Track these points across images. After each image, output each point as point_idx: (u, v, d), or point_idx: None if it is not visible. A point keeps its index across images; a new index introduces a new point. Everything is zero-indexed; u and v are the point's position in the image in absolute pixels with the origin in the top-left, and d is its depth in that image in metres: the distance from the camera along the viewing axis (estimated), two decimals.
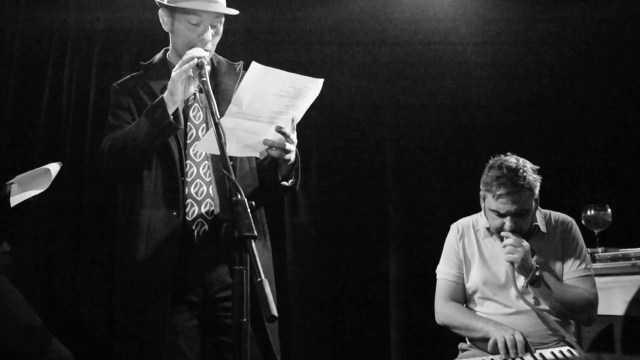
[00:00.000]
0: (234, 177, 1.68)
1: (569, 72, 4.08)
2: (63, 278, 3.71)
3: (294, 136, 2.09)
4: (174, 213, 2.13)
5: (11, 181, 2.80)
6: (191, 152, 2.21)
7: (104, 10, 3.95)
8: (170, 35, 2.28)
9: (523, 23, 4.10)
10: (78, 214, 3.77)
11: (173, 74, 2.07)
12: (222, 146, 1.76)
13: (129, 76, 2.36)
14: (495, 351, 2.38)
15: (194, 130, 2.23)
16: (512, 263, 2.46)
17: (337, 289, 3.90)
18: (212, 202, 2.18)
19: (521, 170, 2.46)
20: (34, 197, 2.82)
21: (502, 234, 2.51)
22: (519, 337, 2.35)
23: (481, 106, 4.07)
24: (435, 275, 2.71)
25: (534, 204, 2.52)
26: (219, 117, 1.84)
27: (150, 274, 2.11)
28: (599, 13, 4.05)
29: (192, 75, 2.07)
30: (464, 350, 2.64)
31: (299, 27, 4.07)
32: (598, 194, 3.63)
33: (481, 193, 2.60)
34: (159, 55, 2.35)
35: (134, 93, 2.26)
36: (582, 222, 3.19)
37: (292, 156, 2.12)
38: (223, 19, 2.25)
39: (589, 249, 2.66)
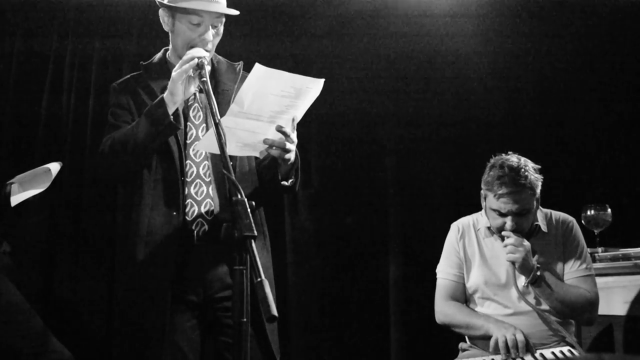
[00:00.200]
0: (234, 177, 1.68)
1: (569, 72, 4.08)
2: (63, 278, 3.71)
3: (294, 136, 2.09)
4: (174, 213, 2.13)
5: (11, 181, 2.79)
6: (191, 152, 2.21)
7: (104, 9, 3.95)
8: (170, 35, 2.28)
9: (523, 22, 4.10)
10: (78, 214, 3.77)
11: (173, 73, 2.07)
12: (222, 146, 1.76)
13: (128, 76, 2.37)
14: (496, 351, 2.38)
15: (193, 130, 2.23)
16: (513, 263, 2.46)
17: (336, 289, 3.90)
18: (212, 202, 2.18)
19: (523, 170, 2.46)
20: (34, 196, 2.82)
21: (503, 233, 2.50)
22: (520, 337, 2.35)
23: (481, 105, 4.07)
24: (435, 274, 2.71)
25: (535, 203, 2.52)
26: (219, 117, 1.85)
27: (150, 274, 2.11)
28: (599, 12, 4.05)
29: (192, 75, 2.07)
30: (464, 350, 2.63)
31: (299, 24, 4.07)
32: (598, 194, 3.63)
33: (482, 192, 2.60)
34: (158, 55, 2.35)
35: (134, 93, 2.26)
36: (582, 222, 3.19)
37: (292, 156, 2.12)
38: (224, 20, 2.25)
39: (589, 249, 2.66)
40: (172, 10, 2.21)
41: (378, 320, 3.87)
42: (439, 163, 4.02)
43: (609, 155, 3.99)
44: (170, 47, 2.32)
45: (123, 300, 2.23)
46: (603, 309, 2.61)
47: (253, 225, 1.57)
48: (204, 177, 2.20)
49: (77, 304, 3.69)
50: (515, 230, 2.47)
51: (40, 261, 3.70)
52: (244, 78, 2.04)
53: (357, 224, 3.95)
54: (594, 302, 2.51)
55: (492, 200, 2.50)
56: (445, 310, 2.61)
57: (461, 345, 2.67)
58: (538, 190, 2.51)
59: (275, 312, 1.46)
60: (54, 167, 2.86)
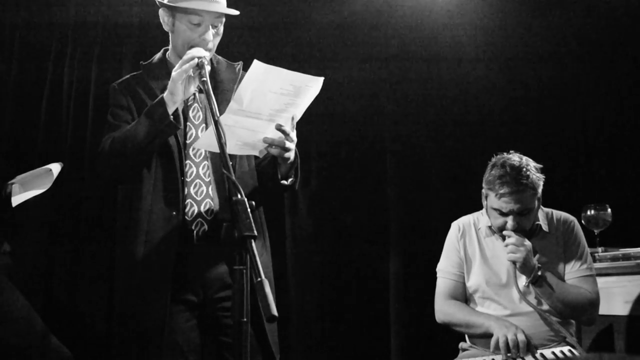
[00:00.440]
0: (233, 177, 1.68)
1: (569, 71, 4.08)
2: (63, 278, 3.71)
3: (293, 134, 2.10)
4: (174, 213, 2.13)
5: (12, 181, 2.79)
6: (191, 152, 2.21)
7: (104, 9, 3.95)
8: (170, 35, 2.28)
9: (524, 21, 4.10)
10: (78, 214, 3.77)
11: (173, 73, 2.07)
12: (222, 146, 1.76)
13: (128, 76, 2.37)
14: (497, 350, 2.37)
15: (193, 130, 2.23)
16: (514, 262, 2.46)
17: (337, 288, 3.90)
18: (211, 202, 2.18)
19: (524, 169, 2.45)
20: (35, 197, 2.81)
21: (504, 233, 2.50)
22: (521, 337, 2.34)
23: (481, 105, 4.07)
24: (435, 274, 2.71)
25: (536, 203, 2.51)
26: (218, 116, 1.85)
27: (149, 274, 2.11)
28: (600, 11, 4.05)
29: (192, 75, 2.07)
30: (464, 349, 2.63)
31: (299, 25, 4.07)
32: (598, 194, 3.63)
33: (483, 191, 2.59)
34: (158, 55, 2.35)
35: (133, 93, 2.26)
36: (582, 221, 3.19)
37: (291, 155, 2.12)
38: (224, 19, 2.25)
39: (589, 249, 2.66)
40: (172, 10, 2.21)
41: (378, 320, 3.87)
42: (439, 163, 4.02)
43: (609, 155, 3.99)
44: (170, 47, 2.32)
45: (123, 300, 2.23)
46: (603, 309, 2.61)
47: (253, 225, 1.57)
48: (203, 177, 2.20)
49: (77, 304, 3.69)
50: (516, 230, 2.47)
51: (40, 261, 3.70)
52: (243, 78, 2.04)
53: (357, 224, 3.95)
54: (594, 302, 2.51)
55: (494, 199, 2.49)
56: (445, 309, 2.61)
57: (461, 345, 2.67)
58: (540, 190, 2.50)
59: (275, 311, 1.45)
60: (55, 167, 2.86)
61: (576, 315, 2.53)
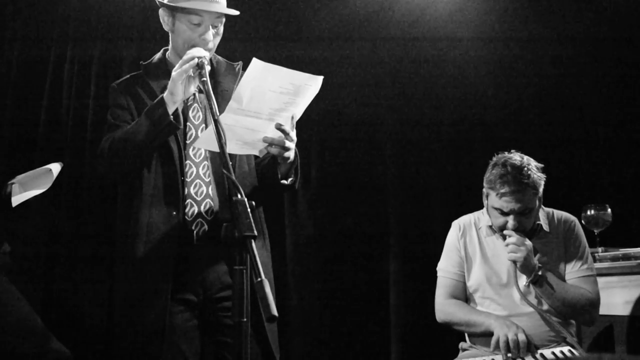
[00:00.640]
0: (233, 177, 1.68)
1: (569, 71, 4.07)
2: (63, 278, 3.71)
3: (293, 134, 2.10)
4: (174, 213, 2.13)
5: (12, 181, 2.79)
6: (191, 153, 2.21)
7: (104, 9, 3.95)
8: (170, 34, 2.28)
9: (524, 21, 4.10)
10: (78, 214, 3.77)
11: (173, 73, 2.07)
12: (222, 146, 1.76)
13: (128, 76, 2.37)
14: (497, 349, 2.37)
15: (193, 131, 2.23)
16: (514, 262, 2.46)
17: (336, 288, 3.90)
18: (211, 202, 2.18)
19: (526, 169, 2.45)
20: (35, 197, 2.81)
21: (505, 232, 2.50)
22: (522, 338, 2.34)
23: (481, 104, 4.07)
24: (435, 273, 2.71)
25: (537, 202, 2.51)
26: (218, 116, 1.84)
27: (149, 274, 2.11)
28: (599, 10, 4.05)
29: (192, 75, 2.07)
30: (464, 349, 2.63)
31: (299, 25, 4.07)
32: (598, 194, 3.63)
33: (484, 191, 2.59)
34: (158, 55, 2.35)
35: (133, 93, 2.26)
36: (582, 221, 3.19)
37: (291, 154, 2.12)
38: (224, 19, 2.25)
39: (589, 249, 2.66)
40: (173, 10, 2.21)
41: (378, 320, 3.86)
42: (439, 162, 4.02)
43: (609, 155, 3.99)
44: (170, 47, 2.32)
45: (122, 300, 2.22)
46: (603, 309, 2.61)
47: (253, 225, 1.57)
48: (203, 177, 2.20)
49: (77, 304, 3.69)
50: (517, 230, 2.47)
51: (40, 261, 3.70)
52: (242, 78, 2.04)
53: (357, 224, 3.95)
54: (595, 303, 2.51)
55: (494, 198, 2.49)
56: (445, 309, 2.60)
57: (461, 344, 2.67)
58: (541, 190, 2.50)
59: (275, 312, 1.45)
60: (55, 167, 2.86)
61: (576, 316, 2.53)
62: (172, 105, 2.08)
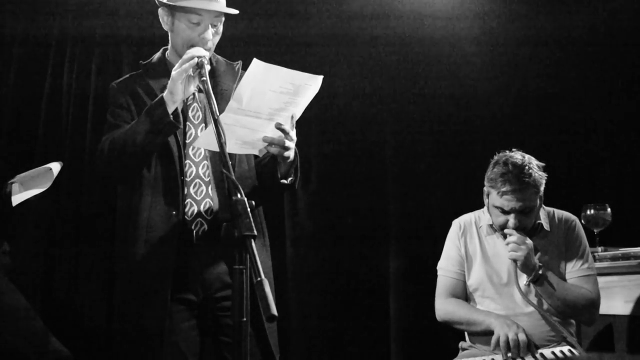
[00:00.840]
0: (233, 177, 1.67)
1: (569, 71, 4.07)
2: (63, 278, 3.71)
3: (293, 134, 2.09)
4: (174, 212, 2.13)
5: (13, 180, 2.79)
6: (190, 152, 2.21)
7: (103, 9, 3.95)
8: (170, 34, 2.28)
9: (524, 20, 4.10)
10: (78, 214, 3.77)
11: (173, 73, 2.07)
12: (222, 145, 1.76)
13: (128, 76, 2.37)
14: (497, 349, 2.37)
15: (193, 130, 2.23)
16: (515, 261, 2.45)
17: (337, 288, 3.90)
18: (211, 202, 2.18)
19: (527, 168, 2.45)
20: (35, 196, 2.81)
21: (506, 231, 2.49)
22: (522, 338, 2.34)
23: (481, 104, 4.07)
24: (435, 273, 2.70)
25: (538, 201, 2.51)
26: (218, 115, 1.84)
27: (149, 274, 2.11)
28: (600, 10, 4.05)
29: (192, 75, 2.07)
30: (464, 349, 2.63)
31: (298, 25, 4.07)
32: (598, 193, 3.63)
33: (485, 189, 2.59)
34: (158, 55, 2.35)
35: (133, 93, 2.26)
36: (582, 221, 3.19)
37: (291, 154, 2.12)
38: (223, 19, 2.25)
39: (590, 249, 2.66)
40: (172, 10, 2.21)
41: (378, 319, 3.87)
42: (439, 162, 4.02)
43: (609, 155, 3.99)
44: (169, 46, 2.32)
45: (123, 300, 2.22)
46: (603, 309, 2.61)
47: (253, 224, 1.57)
48: (203, 177, 2.20)
49: (77, 304, 3.69)
50: (518, 229, 2.47)
51: (40, 261, 3.70)
52: (243, 77, 2.04)
53: (357, 224, 3.95)
54: (595, 303, 2.51)
55: (496, 197, 2.49)
56: (446, 308, 2.60)
57: (461, 344, 2.67)
58: (542, 189, 2.50)
59: (275, 311, 1.45)
60: (55, 167, 2.86)
61: (577, 315, 2.53)
62: (172, 105, 2.08)
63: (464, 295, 2.63)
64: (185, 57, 2.07)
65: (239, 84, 2.01)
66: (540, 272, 2.45)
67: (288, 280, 3.85)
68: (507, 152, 2.56)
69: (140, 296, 2.12)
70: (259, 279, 1.47)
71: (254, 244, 1.54)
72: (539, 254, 2.52)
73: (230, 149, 2.02)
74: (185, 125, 2.22)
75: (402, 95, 4.08)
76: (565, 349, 2.36)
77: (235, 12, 2.24)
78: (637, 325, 2.96)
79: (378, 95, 4.09)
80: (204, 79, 1.99)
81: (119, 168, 2.15)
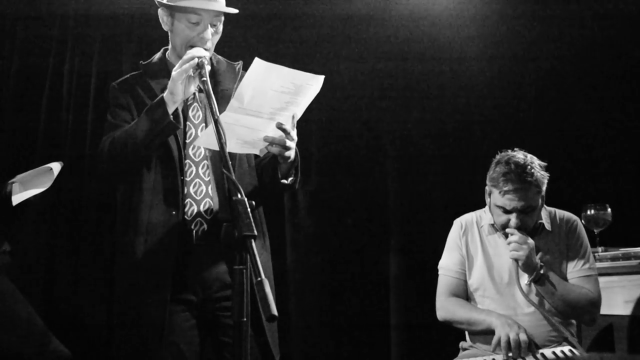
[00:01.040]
0: (233, 177, 1.67)
1: (569, 71, 4.07)
2: (63, 278, 3.71)
3: (294, 133, 2.09)
4: (173, 212, 2.13)
5: (13, 180, 2.79)
6: (190, 152, 2.21)
7: (103, 9, 3.95)
8: (169, 34, 2.28)
9: (524, 21, 4.10)
10: (78, 214, 3.77)
11: (173, 73, 2.07)
12: (222, 145, 1.76)
13: (128, 75, 2.36)
14: (498, 349, 2.37)
15: (193, 130, 2.23)
16: (516, 260, 2.45)
17: (337, 288, 3.90)
18: (211, 202, 2.18)
19: (529, 167, 2.45)
20: (35, 196, 2.81)
21: (507, 230, 2.49)
22: (523, 338, 2.34)
23: (481, 104, 4.07)
24: (435, 272, 2.70)
25: (540, 201, 2.51)
26: (218, 115, 1.84)
27: (148, 273, 2.11)
28: (600, 10, 4.04)
29: (192, 75, 2.07)
30: (464, 349, 2.63)
31: (299, 25, 4.07)
32: (598, 193, 3.63)
33: (487, 188, 2.59)
34: (158, 55, 2.35)
35: (133, 92, 2.26)
36: (582, 221, 3.18)
37: (292, 153, 2.12)
38: (223, 18, 2.25)
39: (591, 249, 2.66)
40: (171, 10, 2.21)
41: (378, 319, 3.86)
42: (439, 162, 4.02)
43: (609, 155, 3.99)
44: (169, 47, 2.32)
45: (122, 299, 2.22)
46: (603, 309, 2.61)
47: (253, 224, 1.56)
48: (203, 176, 2.20)
49: (77, 304, 3.69)
50: (519, 228, 2.47)
51: (40, 261, 3.70)
52: (243, 77, 2.04)
53: (357, 224, 3.95)
54: (596, 302, 2.51)
55: (497, 196, 2.49)
56: (446, 307, 2.60)
57: (462, 344, 2.67)
58: (544, 188, 2.50)
59: (275, 311, 1.45)
60: (55, 166, 2.86)
61: (578, 315, 2.52)
62: (172, 104, 2.08)
63: (465, 294, 2.63)
64: (185, 57, 2.08)
65: (239, 83, 2.01)
66: (542, 272, 2.44)
67: (288, 280, 3.85)
68: (509, 151, 2.57)
69: (139, 295, 2.12)
70: (259, 279, 1.47)
71: (254, 244, 1.53)
72: (540, 254, 2.51)
73: (231, 148, 2.02)
74: (185, 125, 2.22)
75: (403, 95, 4.08)
76: (566, 348, 2.36)
77: (235, 11, 2.24)
78: (637, 325, 2.96)
79: (379, 94, 4.09)
80: (204, 79, 1.99)
81: (119, 167, 2.15)
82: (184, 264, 2.14)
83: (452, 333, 2.68)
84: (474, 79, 4.09)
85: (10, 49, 3.92)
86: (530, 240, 2.46)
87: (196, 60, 2.05)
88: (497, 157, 2.56)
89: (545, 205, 2.61)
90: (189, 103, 2.25)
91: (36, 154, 3.75)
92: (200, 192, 2.18)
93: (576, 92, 4.06)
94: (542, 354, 2.33)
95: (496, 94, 4.08)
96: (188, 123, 2.23)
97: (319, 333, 3.85)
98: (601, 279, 2.63)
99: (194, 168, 2.19)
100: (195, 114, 2.26)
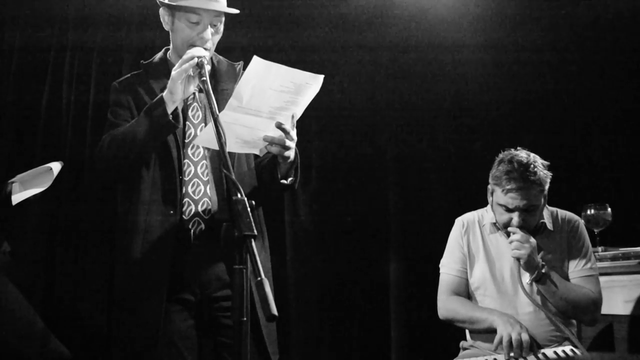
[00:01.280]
0: (233, 176, 1.67)
1: (569, 71, 4.07)
2: (63, 278, 3.71)
3: (293, 133, 2.09)
4: (171, 211, 2.13)
5: (12, 180, 2.80)
6: (189, 152, 2.21)
7: (104, 8, 3.95)
8: (170, 34, 2.28)
9: (523, 22, 4.10)
10: (78, 214, 3.77)
11: (173, 73, 2.07)
12: (222, 145, 1.75)
13: (129, 75, 2.37)
14: (499, 348, 2.37)
15: (192, 130, 2.23)
16: (518, 259, 2.45)
17: (337, 288, 3.90)
18: (209, 202, 2.17)
19: (532, 166, 2.45)
20: (35, 196, 2.82)
21: (509, 229, 2.49)
22: (525, 337, 2.33)
23: (481, 105, 4.07)
24: (436, 272, 2.70)
25: (542, 200, 2.51)
26: (218, 115, 1.84)
27: (145, 272, 2.11)
28: (600, 11, 4.05)
29: (192, 74, 2.07)
30: (465, 348, 2.63)
31: (299, 26, 4.07)
32: (598, 193, 3.63)
33: (489, 187, 2.59)
34: (159, 55, 2.35)
35: (134, 92, 2.26)
36: (582, 221, 3.20)
37: (291, 153, 2.12)
38: (223, 18, 2.24)
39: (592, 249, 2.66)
40: (172, 9, 2.21)
41: (378, 319, 3.86)
42: (439, 162, 4.02)
43: (609, 155, 3.99)
44: (171, 46, 2.32)
45: (119, 298, 2.23)
46: (603, 308, 2.61)
47: (253, 224, 1.56)
48: (201, 176, 2.19)
49: (77, 304, 3.69)
50: (521, 227, 2.47)
51: (40, 261, 3.70)
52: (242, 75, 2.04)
53: (357, 224, 3.95)
54: (597, 302, 2.51)
55: (500, 195, 2.49)
56: (448, 305, 2.60)
57: (462, 343, 2.66)
58: (546, 187, 2.50)
59: (275, 311, 1.45)
60: (55, 166, 2.87)
61: (578, 315, 2.52)
62: (172, 104, 2.08)
63: (466, 293, 2.63)
64: (184, 56, 2.07)
65: (239, 81, 2.01)
66: (543, 271, 2.44)
67: (288, 280, 3.85)
68: (512, 150, 2.57)
69: (136, 295, 2.12)
70: (259, 279, 1.47)
71: (253, 244, 1.53)
72: (541, 253, 2.51)
73: (230, 147, 2.01)
74: (184, 125, 2.22)
75: (402, 96, 4.08)
76: (567, 348, 2.36)
77: (235, 11, 2.24)
78: (637, 325, 2.96)
79: (378, 95, 4.08)
80: (204, 78, 1.99)
81: (118, 166, 2.15)
82: (182, 263, 2.14)
83: (452, 333, 2.68)
84: (474, 80, 4.09)
85: (10, 47, 3.92)
86: (532, 239, 2.46)
87: (196, 59, 2.04)
88: (500, 155, 2.57)
89: (547, 205, 2.61)
90: (188, 103, 2.25)
91: (36, 154, 3.75)
92: (199, 192, 2.18)
93: (576, 92, 4.06)
94: (544, 354, 2.33)
95: (496, 94, 4.08)
96: (187, 123, 2.23)
97: (319, 333, 3.85)
98: (601, 279, 2.63)
99: (192, 168, 2.19)
100: (195, 113, 2.26)
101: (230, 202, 1.62)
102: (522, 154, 2.51)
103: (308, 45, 4.04)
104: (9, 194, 2.75)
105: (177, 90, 2.06)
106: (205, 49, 2.17)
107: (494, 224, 2.61)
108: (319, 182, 3.99)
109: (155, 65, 2.32)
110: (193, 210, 2.15)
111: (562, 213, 2.65)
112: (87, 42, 3.96)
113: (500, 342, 2.36)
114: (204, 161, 2.21)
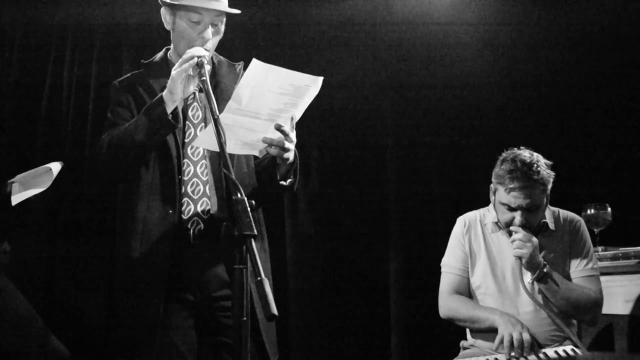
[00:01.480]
0: (233, 176, 1.67)
1: (569, 71, 4.08)
2: (63, 278, 3.71)
3: (293, 135, 2.09)
4: (170, 211, 2.13)
5: (12, 180, 2.79)
6: (189, 151, 2.20)
7: (104, 8, 3.95)
8: (171, 33, 2.28)
9: (523, 21, 4.10)
10: (78, 213, 3.77)
11: (173, 72, 2.07)
12: (222, 145, 1.75)
13: (129, 74, 2.36)
14: (500, 347, 2.37)
15: (192, 129, 2.23)
16: (519, 258, 2.45)
17: (337, 288, 3.90)
18: (208, 201, 2.17)
19: (535, 165, 2.45)
20: (35, 196, 2.82)
21: (512, 228, 2.49)
22: (526, 337, 2.33)
23: (482, 104, 4.07)
24: (436, 272, 2.70)
25: (545, 199, 2.51)
26: (218, 115, 1.84)
27: (144, 272, 2.11)
28: (600, 10, 4.05)
29: (192, 74, 2.06)
30: (465, 348, 2.63)
31: (299, 26, 4.07)
32: (598, 192, 3.63)
33: (492, 186, 2.59)
34: (160, 54, 2.35)
35: (134, 91, 2.26)
36: (584, 221, 3.20)
37: (291, 155, 2.12)
38: (224, 18, 2.24)
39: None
40: (173, 9, 2.21)
41: (378, 320, 3.87)
42: (439, 162, 4.02)
43: (609, 155, 3.99)
44: (171, 46, 2.32)
45: (118, 298, 2.23)
46: (603, 308, 2.61)
47: (253, 224, 1.56)
48: (201, 176, 2.19)
49: (77, 304, 3.69)
50: (523, 226, 2.46)
51: (40, 260, 3.70)
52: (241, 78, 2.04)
53: (357, 224, 3.95)
54: (598, 303, 2.51)
55: (503, 194, 2.49)
56: (449, 304, 2.60)
57: (462, 343, 2.66)
58: (549, 187, 2.51)
59: (275, 311, 1.45)
60: (55, 166, 2.86)
61: (579, 315, 2.52)
62: (171, 104, 2.08)
63: (468, 292, 2.63)
64: (184, 56, 2.07)
65: (238, 84, 2.01)
66: (545, 270, 2.44)
67: (288, 279, 3.85)
68: (515, 149, 2.57)
69: (134, 294, 2.12)
70: (259, 278, 1.47)
71: (253, 243, 1.53)
72: (543, 252, 2.51)
73: (230, 149, 2.01)
74: (184, 124, 2.22)
75: (403, 95, 4.08)
76: (568, 348, 2.36)
77: (237, 11, 2.24)
78: (637, 325, 2.96)
79: (378, 95, 4.09)
80: (204, 78, 1.99)
81: (117, 166, 2.15)
82: (181, 263, 2.14)
83: (453, 332, 2.68)
84: (475, 80, 4.09)
85: (10, 49, 3.92)
86: (534, 239, 2.46)
87: (196, 59, 2.04)
88: (504, 154, 2.57)
89: (549, 205, 2.61)
90: (188, 102, 2.25)
91: (36, 154, 3.75)
92: (198, 192, 2.17)
93: (576, 92, 4.06)
94: (545, 353, 2.33)
95: (496, 94, 4.08)
96: (187, 122, 2.23)
97: (319, 332, 3.85)
98: (601, 279, 2.63)
99: (192, 167, 2.19)
100: (195, 113, 2.26)
101: (231, 202, 1.62)
102: (526, 153, 2.51)
103: (308, 48, 4.04)
104: (9, 194, 2.75)
105: (177, 90, 2.06)
106: (206, 48, 2.17)
107: (496, 223, 2.61)
108: (319, 182, 3.99)
109: (156, 64, 2.32)
110: (192, 210, 2.15)
111: (564, 213, 2.65)
112: (88, 42, 3.96)
113: (501, 341, 2.36)
114: (204, 161, 2.21)
